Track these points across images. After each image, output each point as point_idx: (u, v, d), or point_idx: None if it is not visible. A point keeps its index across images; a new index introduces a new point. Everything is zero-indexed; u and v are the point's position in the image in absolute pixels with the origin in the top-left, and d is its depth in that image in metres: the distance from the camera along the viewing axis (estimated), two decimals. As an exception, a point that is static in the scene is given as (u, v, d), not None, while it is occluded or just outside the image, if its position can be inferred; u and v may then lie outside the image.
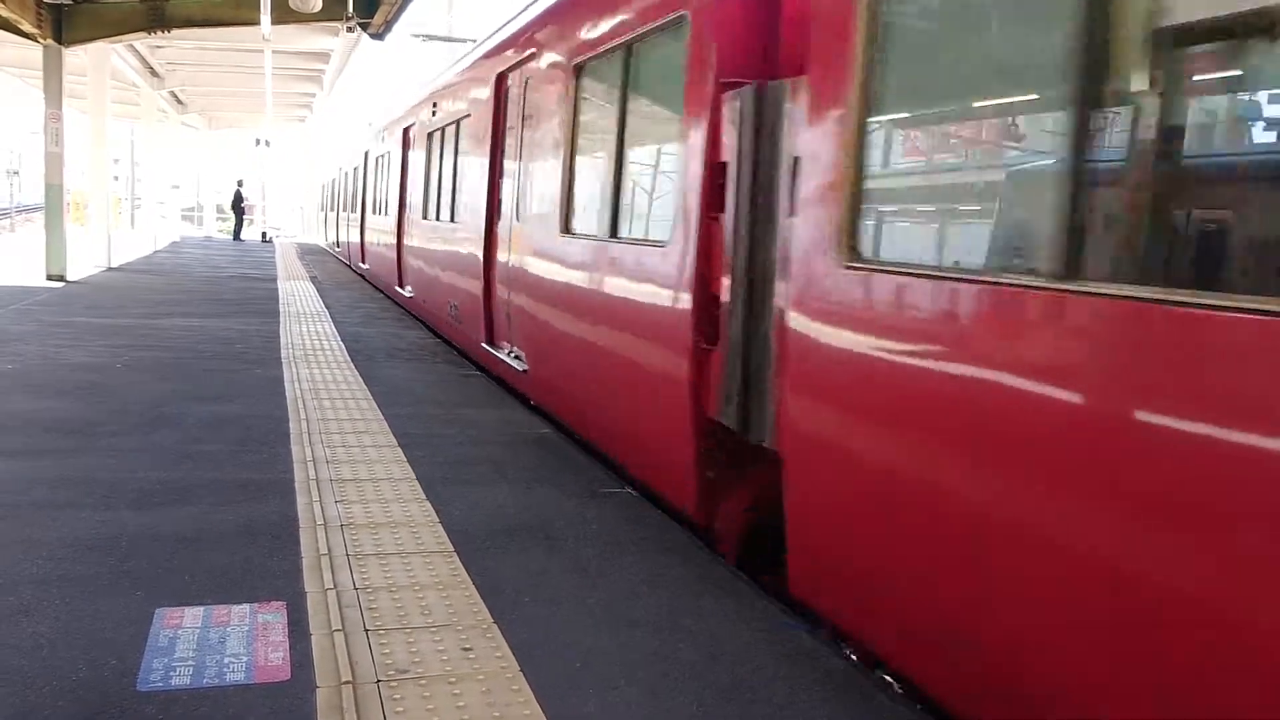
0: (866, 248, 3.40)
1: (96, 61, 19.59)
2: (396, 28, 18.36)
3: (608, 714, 2.88)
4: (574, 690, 3.01)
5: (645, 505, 5.03)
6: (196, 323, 11.39)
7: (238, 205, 37.84)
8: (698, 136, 4.49)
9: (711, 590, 3.90)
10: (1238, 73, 2.61)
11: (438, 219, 11.48)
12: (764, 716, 2.93)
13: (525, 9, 8.24)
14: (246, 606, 3.49)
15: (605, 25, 5.86)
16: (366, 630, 3.34)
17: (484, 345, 8.72)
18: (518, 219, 7.71)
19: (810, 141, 3.68)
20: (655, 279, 4.90)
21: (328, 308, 13.97)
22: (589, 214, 6.22)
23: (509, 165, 8.24)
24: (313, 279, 19.34)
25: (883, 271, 3.22)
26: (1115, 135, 2.63)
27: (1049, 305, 2.53)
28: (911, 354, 3.09)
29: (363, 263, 20.16)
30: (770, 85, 4.07)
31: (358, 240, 20.48)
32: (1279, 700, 2.01)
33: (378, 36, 18.72)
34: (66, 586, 3.57)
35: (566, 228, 6.47)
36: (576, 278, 6.22)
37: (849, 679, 3.21)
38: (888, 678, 3.44)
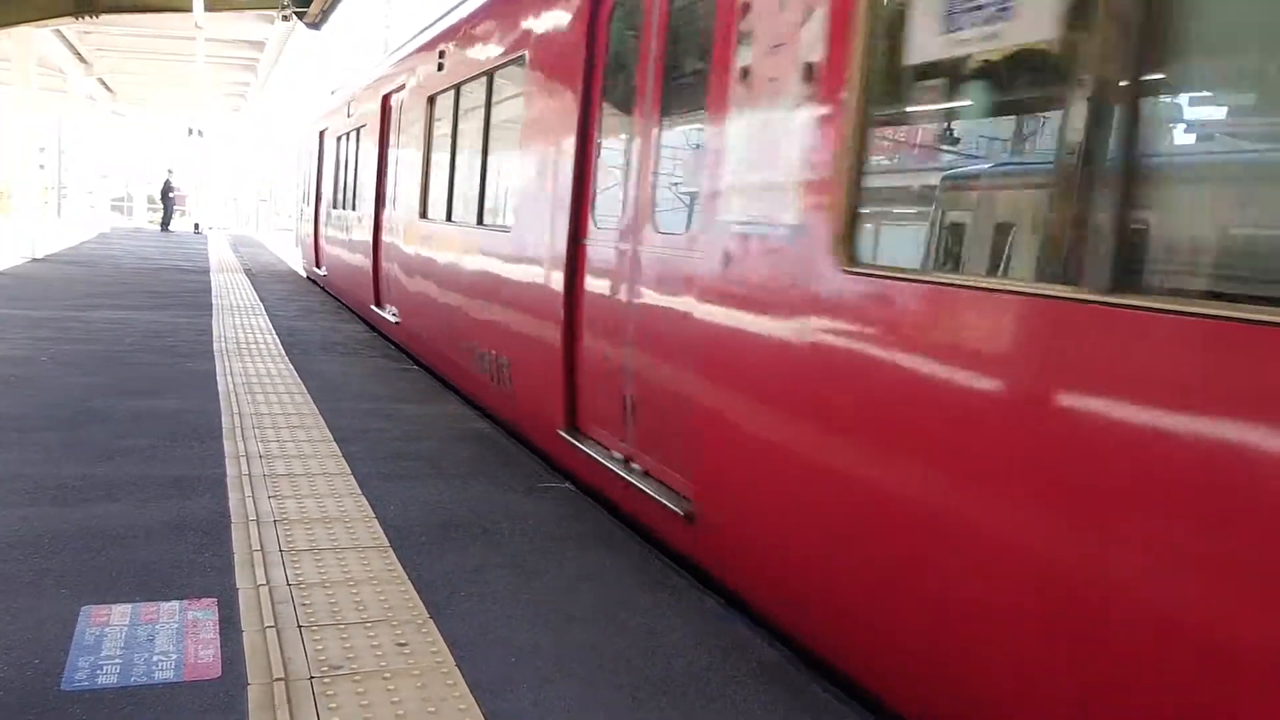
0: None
1: (21, 46, 19.04)
2: (333, 18, 18.12)
3: (543, 708, 2.89)
4: (509, 685, 3.01)
5: (583, 500, 5.04)
6: (126, 315, 11.14)
7: (166, 195, 36.88)
8: None
9: (648, 584, 3.92)
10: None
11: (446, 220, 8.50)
12: (697, 709, 2.96)
13: None
14: (176, 603, 3.43)
15: None
16: (300, 626, 3.30)
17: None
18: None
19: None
20: None
21: (262, 300, 13.75)
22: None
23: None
24: (246, 271, 19.01)
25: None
26: None
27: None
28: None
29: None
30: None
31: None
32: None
33: (314, 26, 18.48)
34: (-13, 585, 3.48)
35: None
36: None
37: (782, 671, 3.25)
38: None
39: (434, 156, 9.07)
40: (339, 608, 3.48)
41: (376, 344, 10.40)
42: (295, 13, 17.50)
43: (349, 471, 5.22)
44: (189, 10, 14.99)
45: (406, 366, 9.04)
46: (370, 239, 11.64)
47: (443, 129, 8.81)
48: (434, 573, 3.88)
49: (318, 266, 17.02)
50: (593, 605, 3.68)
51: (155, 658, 3.02)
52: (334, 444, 5.78)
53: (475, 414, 7.03)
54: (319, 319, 12.30)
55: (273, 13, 17.32)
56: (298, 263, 21.42)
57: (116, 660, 2.99)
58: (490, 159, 7.39)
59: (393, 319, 10.40)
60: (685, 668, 3.22)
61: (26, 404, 6.30)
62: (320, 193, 16.99)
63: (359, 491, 4.88)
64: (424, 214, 9.21)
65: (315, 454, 5.53)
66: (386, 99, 11.52)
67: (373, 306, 11.48)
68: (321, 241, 16.61)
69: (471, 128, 7.90)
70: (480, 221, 7.39)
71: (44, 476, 4.79)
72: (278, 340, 9.95)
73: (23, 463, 5.00)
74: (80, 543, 3.94)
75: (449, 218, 8.41)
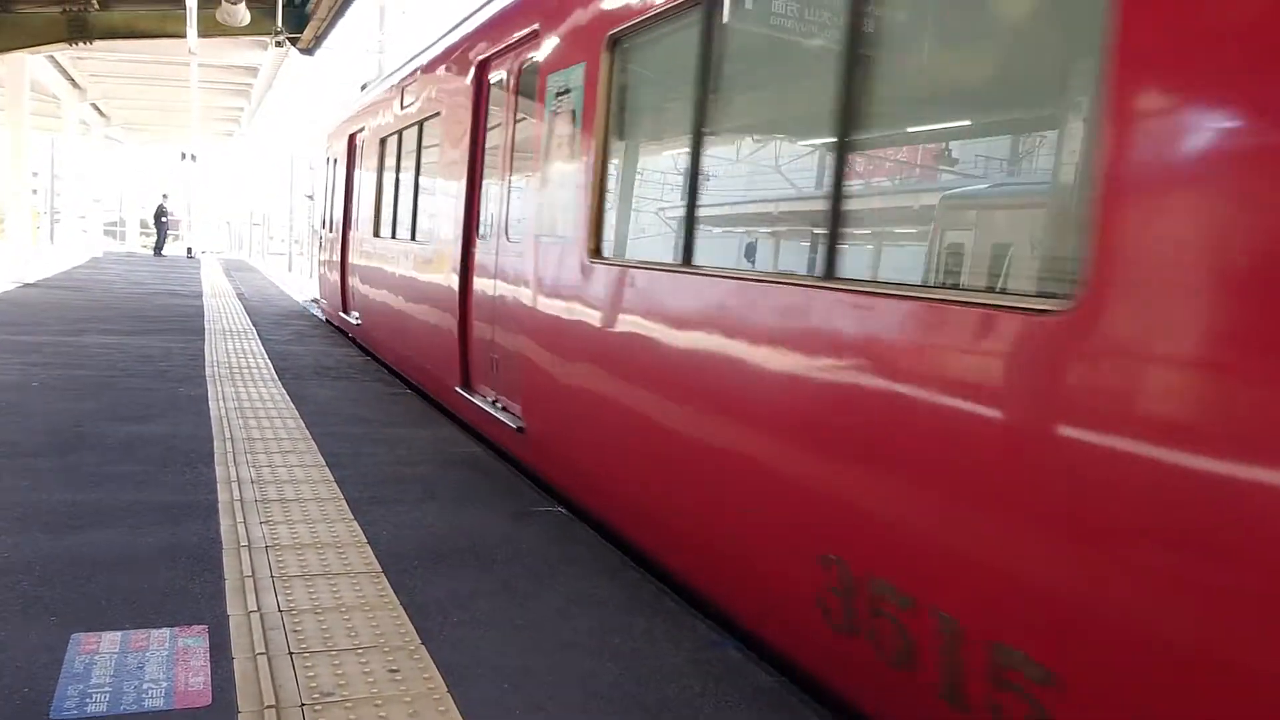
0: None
1: (14, 72, 19.11)
2: (326, 43, 18.22)
3: (536, 734, 2.88)
4: (502, 711, 3.00)
5: (576, 524, 5.03)
6: (117, 340, 11.11)
7: (159, 219, 36.86)
8: None
9: (641, 609, 3.91)
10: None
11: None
12: (692, 734, 2.95)
13: None
14: (167, 630, 3.41)
15: None
16: (291, 653, 3.29)
17: None
18: None
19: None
20: None
21: (255, 325, 13.73)
22: None
23: None
24: (239, 296, 19.00)
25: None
26: None
27: None
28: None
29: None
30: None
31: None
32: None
33: (307, 52, 18.58)
34: (-24, 613, 3.45)
35: None
36: None
37: (777, 696, 3.24)
38: None
39: (617, 151, 5.38)
40: (331, 634, 3.46)
41: (369, 368, 10.38)
42: (289, 38, 17.58)
43: (341, 496, 5.21)
44: (183, 36, 15.04)
45: (399, 391, 9.03)
46: (453, 285, 7.77)
47: (651, 98, 5.36)
48: (426, 598, 3.87)
49: (345, 311, 13.18)
50: (586, 630, 3.67)
51: (145, 685, 3.00)
52: (326, 469, 5.77)
53: (469, 438, 7.02)
54: (312, 343, 12.29)
55: (266, 39, 17.40)
56: (291, 287, 21.40)
57: (106, 688, 2.97)
58: (863, 147, 3.62)
59: (512, 425, 6.33)
60: (679, 693, 3.20)
61: (17, 430, 6.28)
62: (350, 215, 13.16)
63: (351, 516, 4.87)
64: (597, 251, 5.22)
65: (307, 479, 5.51)
66: (484, 69, 7.47)
67: (459, 389, 7.60)
68: (353, 279, 12.62)
69: (777, 91, 4.63)
70: (831, 274, 3.33)
71: (34, 503, 4.76)
72: (270, 365, 9.94)
73: (12, 489, 4.97)
74: (70, 570, 3.92)
75: (687, 261, 4.35)
